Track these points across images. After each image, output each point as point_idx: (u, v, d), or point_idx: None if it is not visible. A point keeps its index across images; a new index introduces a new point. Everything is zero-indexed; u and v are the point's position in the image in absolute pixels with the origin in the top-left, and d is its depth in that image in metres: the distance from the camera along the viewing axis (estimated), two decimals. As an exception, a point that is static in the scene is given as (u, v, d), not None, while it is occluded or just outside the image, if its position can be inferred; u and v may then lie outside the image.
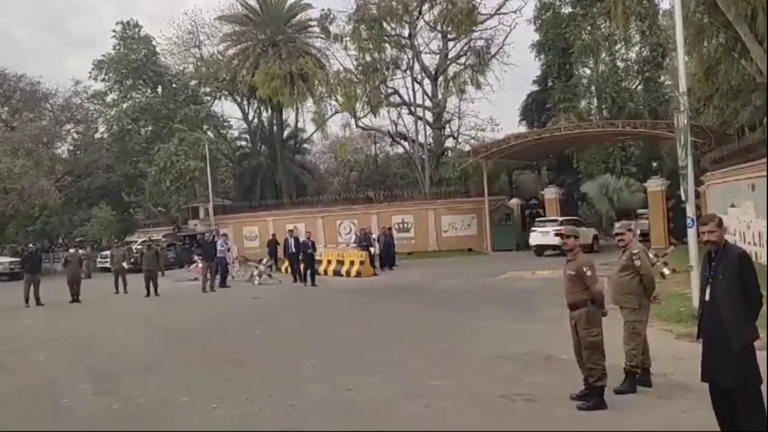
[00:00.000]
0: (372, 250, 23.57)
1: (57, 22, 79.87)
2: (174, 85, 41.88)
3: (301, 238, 21.48)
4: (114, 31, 41.31)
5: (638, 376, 6.50)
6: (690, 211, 10.81)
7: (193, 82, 43.02)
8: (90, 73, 40.94)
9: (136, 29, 41.64)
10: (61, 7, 77.93)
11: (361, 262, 21.89)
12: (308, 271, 20.08)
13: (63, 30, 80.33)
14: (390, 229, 27.58)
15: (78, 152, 42.45)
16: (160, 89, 42.12)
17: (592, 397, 6.04)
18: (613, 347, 6.43)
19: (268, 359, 9.27)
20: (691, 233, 10.57)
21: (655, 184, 27.62)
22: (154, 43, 42.18)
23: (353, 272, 21.79)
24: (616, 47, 35.60)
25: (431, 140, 38.51)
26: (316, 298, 17.00)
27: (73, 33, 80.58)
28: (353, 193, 39.29)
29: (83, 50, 77.88)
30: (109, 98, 42.72)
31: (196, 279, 22.12)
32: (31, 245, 26.79)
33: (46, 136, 39.24)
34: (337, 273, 22.41)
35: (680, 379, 6.58)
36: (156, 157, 36.48)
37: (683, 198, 11.13)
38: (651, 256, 7.32)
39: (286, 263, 22.91)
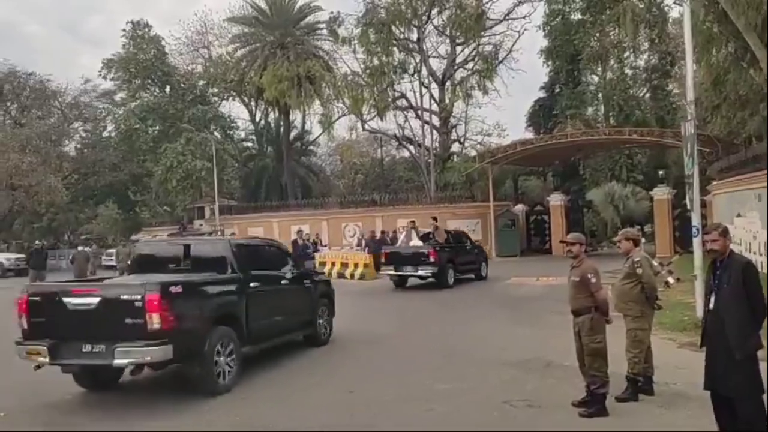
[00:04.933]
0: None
1: (71, 21, 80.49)
2: (182, 86, 42.09)
3: (300, 241, 21.37)
4: (124, 30, 41.63)
5: (640, 384, 6.50)
6: (695, 220, 10.78)
7: (201, 83, 43.24)
8: (99, 71, 41.30)
9: (146, 29, 41.90)
10: (75, 6, 78.52)
11: (365, 265, 21.91)
12: None
13: (76, 28, 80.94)
14: (395, 232, 27.59)
15: (85, 150, 42.75)
16: (168, 89, 42.35)
17: (593, 404, 6.04)
18: (615, 355, 6.42)
19: (269, 360, 9.28)
20: (696, 242, 10.53)
21: (661, 193, 27.56)
22: (163, 43, 42.46)
23: (357, 275, 21.83)
24: (625, 55, 35.57)
25: (437, 144, 38.53)
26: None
27: (86, 31, 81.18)
28: (358, 196, 39.35)
29: (96, 48, 78.45)
30: (117, 97, 43.06)
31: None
32: (37, 242, 26.97)
33: (55, 133, 39.56)
34: (341, 275, 22.42)
35: (682, 388, 6.57)
36: (163, 156, 36.68)
37: (689, 207, 11.10)
38: (656, 264, 7.31)
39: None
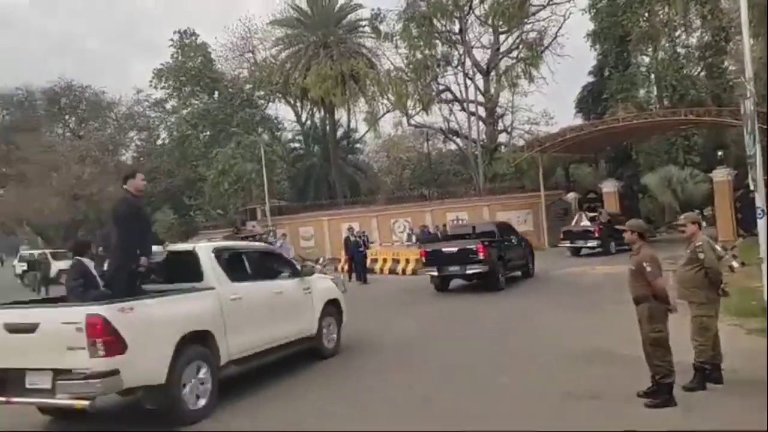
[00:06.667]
0: None
1: (124, 32, 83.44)
2: (230, 90, 43.03)
3: (352, 238, 21.78)
4: (172, 40, 42.80)
5: (708, 372, 6.30)
6: (760, 201, 10.35)
7: (247, 87, 44.08)
8: (151, 81, 42.57)
9: (193, 38, 43.00)
10: (128, 18, 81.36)
11: (416, 261, 21.88)
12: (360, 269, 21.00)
13: (130, 38, 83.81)
14: (445, 226, 27.48)
15: (141, 158, 44.15)
16: (216, 95, 43.35)
17: (660, 395, 5.88)
18: (682, 343, 6.25)
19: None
20: (762, 224, 10.13)
21: (721, 174, 26.53)
22: (209, 50, 43.45)
23: (408, 270, 21.87)
24: (676, 33, 34.38)
25: (484, 136, 38.15)
26: (374, 296, 17.08)
27: (141, 42, 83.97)
28: (407, 192, 39.38)
29: (149, 59, 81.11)
30: (169, 105, 44.33)
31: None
32: (99, 249, 27.98)
33: (111, 143, 41.02)
34: (392, 272, 22.53)
35: (751, 375, 6.34)
36: (215, 161, 37.58)
37: (752, 187, 10.67)
38: (718, 248, 7.06)
39: (342, 261, 23.18)
